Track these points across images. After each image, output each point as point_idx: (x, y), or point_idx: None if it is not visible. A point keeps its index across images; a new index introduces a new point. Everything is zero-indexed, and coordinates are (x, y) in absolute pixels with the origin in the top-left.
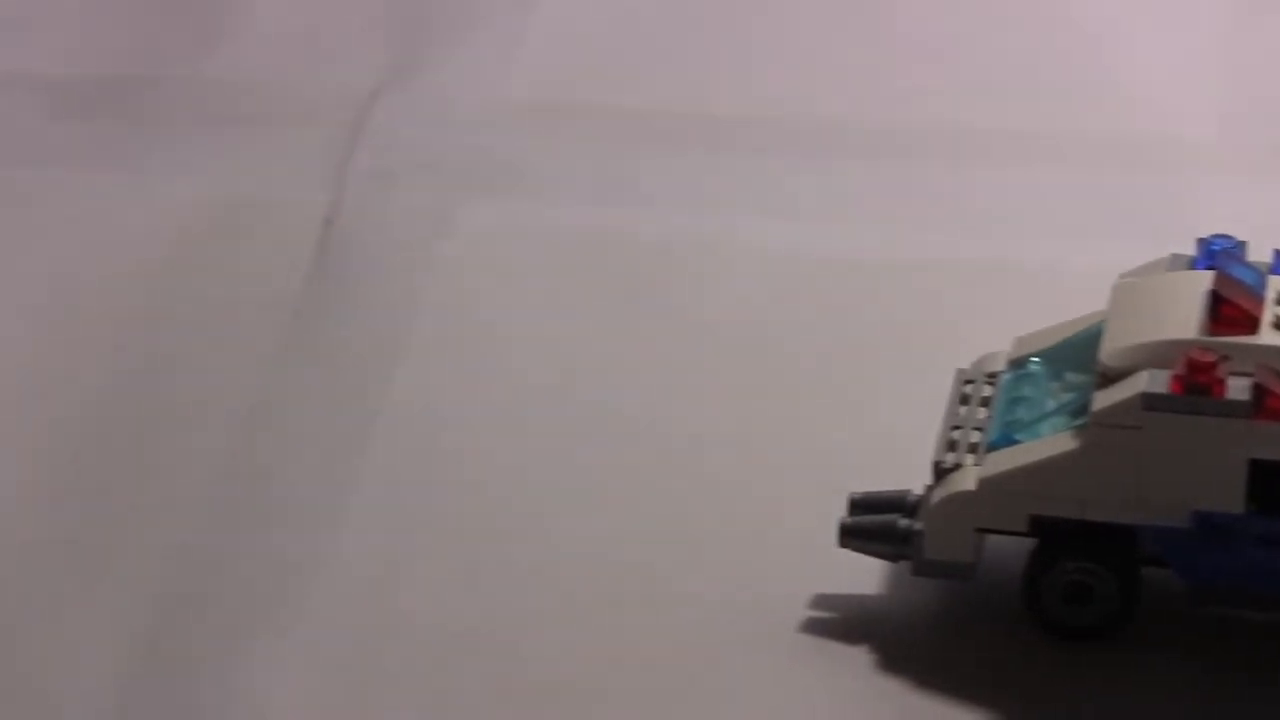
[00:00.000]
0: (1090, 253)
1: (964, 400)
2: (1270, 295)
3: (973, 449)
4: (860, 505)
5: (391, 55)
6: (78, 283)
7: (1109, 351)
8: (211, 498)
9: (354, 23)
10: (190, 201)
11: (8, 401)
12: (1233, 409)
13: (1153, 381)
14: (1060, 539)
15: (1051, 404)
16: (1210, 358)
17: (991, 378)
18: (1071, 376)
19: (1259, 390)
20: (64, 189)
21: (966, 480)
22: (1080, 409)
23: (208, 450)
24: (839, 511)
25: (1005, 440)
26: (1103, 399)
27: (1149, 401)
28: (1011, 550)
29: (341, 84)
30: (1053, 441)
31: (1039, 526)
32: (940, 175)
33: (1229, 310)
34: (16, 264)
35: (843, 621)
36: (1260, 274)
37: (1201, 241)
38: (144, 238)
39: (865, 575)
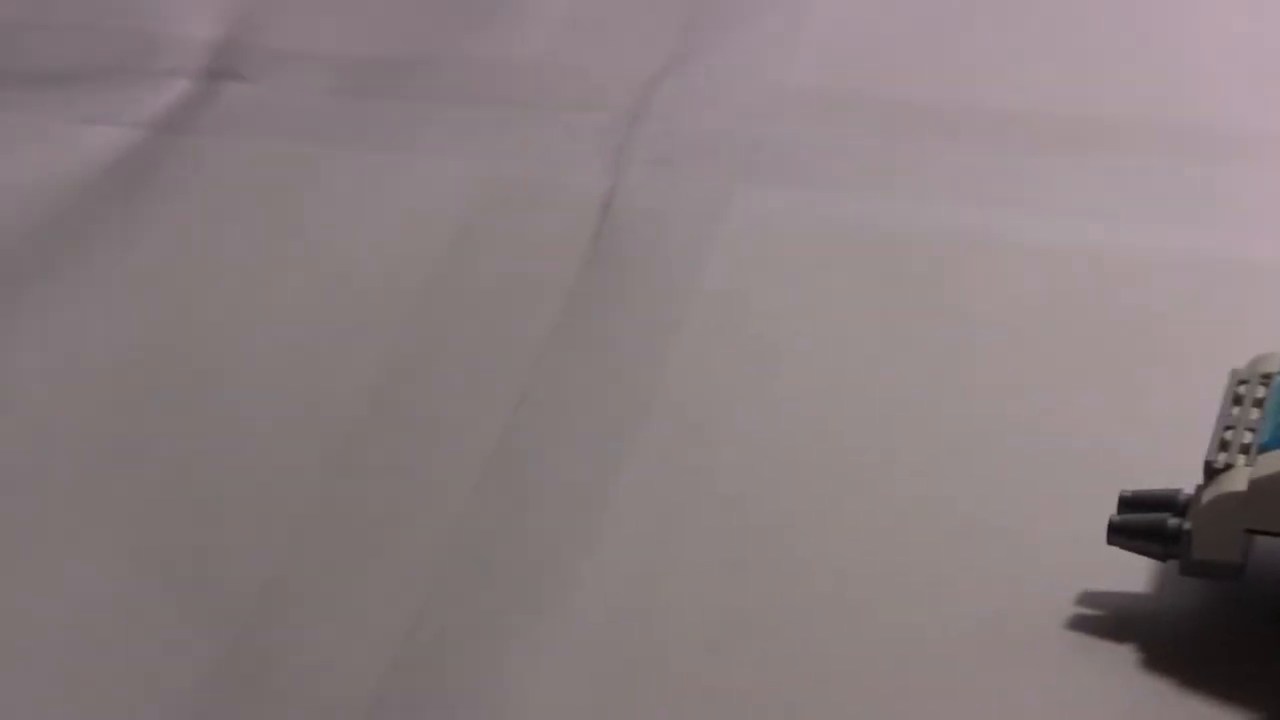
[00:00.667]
0: None
1: (1237, 400)
2: None
3: (1245, 450)
4: (1130, 503)
5: (672, 41)
6: (356, 259)
7: None
8: (481, 479)
9: (635, 8)
10: (469, 182)
11: (283, 375)
12: None
13: None
14: None
15: None
16: None
17: (1266, 379)
18: None
19: None
20: (346, 166)
21: (1237, 481)
22: None
23: (479, 432)
24: (1109, 509)
25: (1277, 442)
26: None
27: None
28: None
29: (622, 69)
30: None
31: None
32: (1216, 172)
33: None
34: (300, 238)
35: (1110, 619)
36: None
37: None
38: (422, 217)
39: (1133, 573)
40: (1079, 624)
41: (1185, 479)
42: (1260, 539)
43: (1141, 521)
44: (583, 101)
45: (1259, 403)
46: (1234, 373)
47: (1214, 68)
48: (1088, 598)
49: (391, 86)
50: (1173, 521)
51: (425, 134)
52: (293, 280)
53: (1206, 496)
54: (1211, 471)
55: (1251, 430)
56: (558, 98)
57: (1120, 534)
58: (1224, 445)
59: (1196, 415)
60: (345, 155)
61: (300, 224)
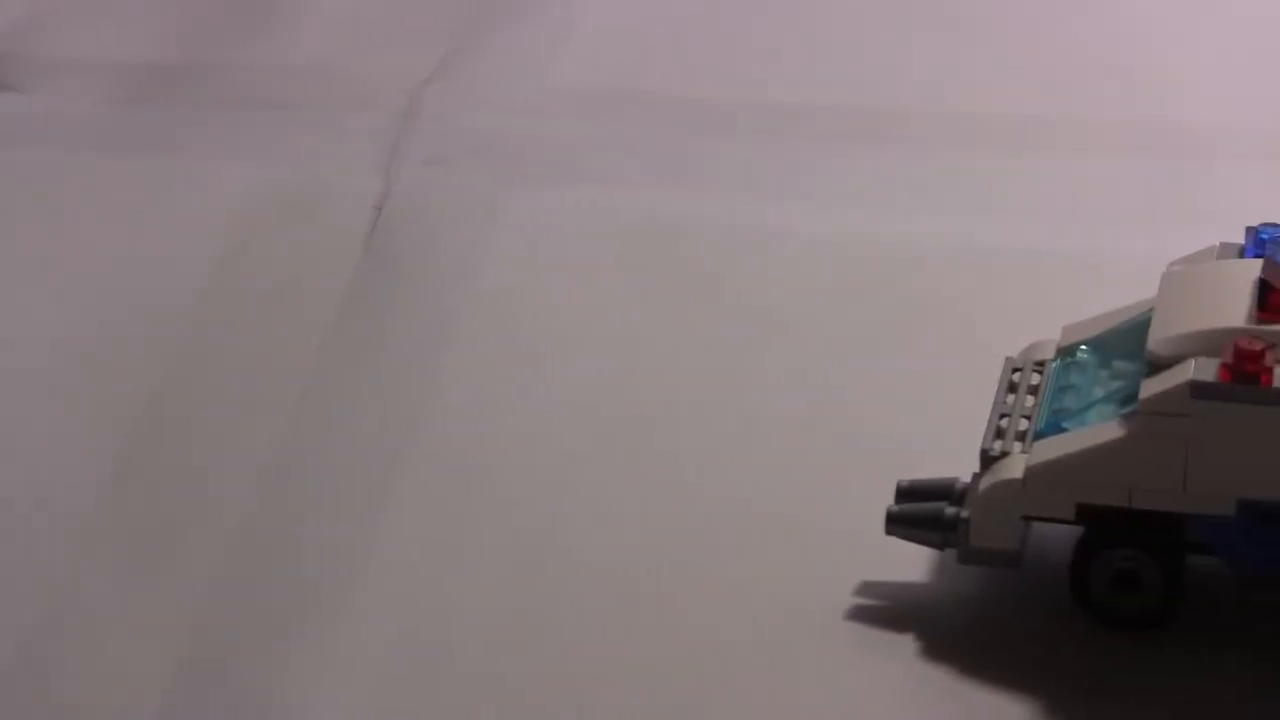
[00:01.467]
0: (1139, 241)
1: (1012, 388)
2: None
3: (1020, 437)
4: (907, 493)
5: (443, 42)
6: (130, 267)
7: (1157, 340)
8: (260, 486)
9: (406, 10)
10: (243, 187)
11: (60, 388)
12: (1279, 398)
13: (1201, 370)
14: (1107, 527)
15: (1099, 392)
16: (1258, 346)
17: (1040, 366)
18: (1120, 365)
19: None
20: (120, 174)
21: (1014, 468)
22: (1128, 397)
23: (257, 438)
24: (888, 499)
25: (1053, 428)
26: (1150, 387)
27: (1197, 390)
28: (1058, 538)
29: (393, 71)
30: (1100, 430)
31: (1086, 515)
32: (992, 163)
33: (1277, 299)
34: (74, 246)
35: (889, 609)
36: None
37: (1251, 230)
38: (197, 222)
39: (913, 563)
40: (859, 615)
41: (963, 468)
42: (1037, 526)
43: (919, 511)
44: (355, 104)
45: (1034, 390)
46: (1009, 361)
47: (990, 58)
48: (868, 588)
49: (165, 93)
50: (950, 510)
51: (199, 140)
52: (66, 289)
53: (983, 485)
54: (988, 460)
55: (1027, 418)
56: (330, 101)
57: (898, 524)
58: (1000, 433)
59: (973, 404)
60: (119, 163)
61: (74, 232)
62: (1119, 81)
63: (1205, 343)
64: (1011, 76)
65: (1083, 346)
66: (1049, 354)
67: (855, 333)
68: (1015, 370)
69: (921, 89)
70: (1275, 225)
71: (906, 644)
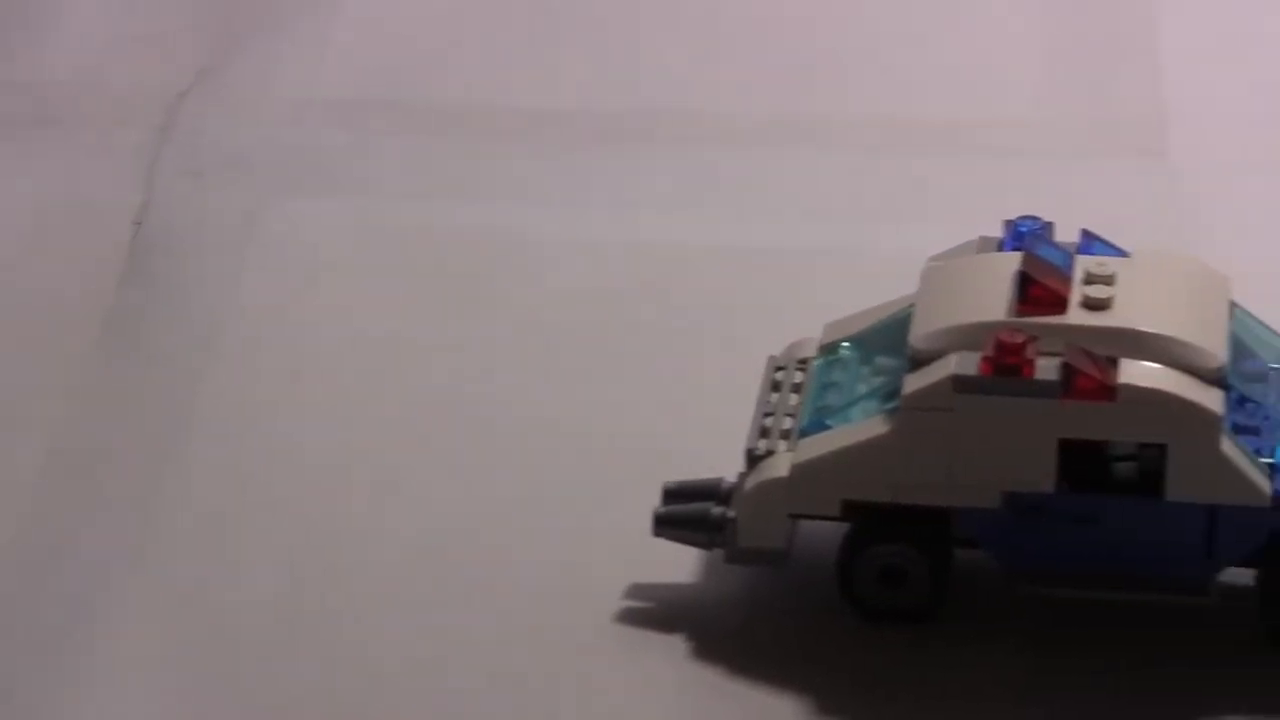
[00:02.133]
0: (898, 237)
1: (776, 387)
2: (1078, 275)
3: (785, 436)
4: (674, 494)
5: (201, 55)
6: None
7: (919, 335)
8: (25, 504)
9: (162, 24)
10: (3, 204)
11: None
12: (1042, 389)
13: (962, 363)
14: (872, 523)
15: (862, 388)
16: (1019, 339)
17: (803, 364)
18: (882, 361)
19: (1068, 370)
20: None
21: (778, 467)
22: (891, 393)
23: (21, 456)
24: (655, 501)
25: (817, 426)
26: (913, 382)
27: (959, 383)
28: (825, 536)
29: (151, 84)
30: (864, 426)
31: (851, 511)
32: (748, 162)
33: (1037, 291)
34: None
35: (659, 610)
36: (1068, 254)
37: (1009, 223)
38: None
39: (681, 564)
40: (629, 617)
41: (729, 468)
42: (805, 523)
43: (686, 512)
44: (113, 119)
45: (797, 388)
46: (771, 360)
47: (739, 58)
48: (637, 590)
49: None
50: (716, 510)
51: None
52: None
53: (749, 484)
54: (753, 459)
55: (791, 416)
56: (88, 116)
57: (665, 525)
58: (764, 432)
59: (737, 404)
60: None
61: None
62: (869, 78)
63: (966, 337)
64: (761, 76)
65: (845, 344)
66: (811, 352)
67: (618, 336)
68: (778, 369)
69: (673, 90)
70: (1033, 218)
71: (676, 644)
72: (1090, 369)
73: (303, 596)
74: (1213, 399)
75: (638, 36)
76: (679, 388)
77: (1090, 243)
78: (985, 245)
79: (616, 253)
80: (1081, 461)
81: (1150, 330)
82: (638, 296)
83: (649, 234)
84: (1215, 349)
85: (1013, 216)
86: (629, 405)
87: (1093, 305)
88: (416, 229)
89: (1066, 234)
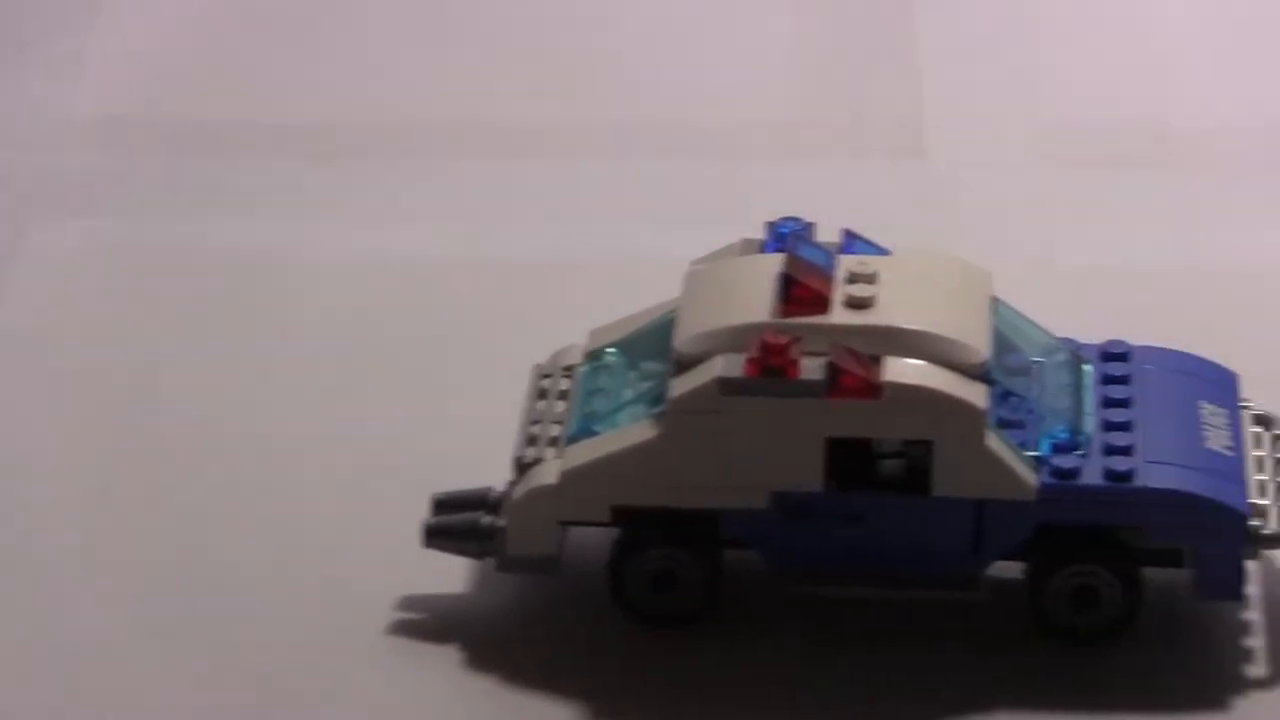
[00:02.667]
0: (660, 242)
1: (542, 395)
2: (840, 275)
3: (553, 443)
4: (443, 505)
5: None
6: None
7: (683, 339)
8: None
9: None
10: None
11: None
12: (807, 389)
13: (728, 366)
14: (643, 527)
15: (629, 394)
16: (783, 339)
17: (568, 371)
18: (648, 365)
19: (833, 369)
20: None
21: (547, 474)
22: (658, 397)
23: None
24: (424, 512)
25: (584, 432)
26: (679, 386)
27: (725, 386)
28: (596, 542)
29: None
30: (631, 431)
31: (621, 516)
32: (506, 172)
33: (800, 291)
34: None
35: (431, 621)
36: (830, 254)
37: (770, 225)
38: None
39: (453, 574)
40: (401, 628)
41: (498, 477)
42: (576, 530)
43: (455, 522)
44: None
45: (564, 395)
46: (537, 367)
47: (484, 66)
48: (409, 602)
49: None
50: (486, 520)
51: None
52: None
53: (518, 492)
54: (522, 467)
55: (559, 423)
56: None
57: (436, 536)
58: (532, 440)
59: (505, 413)
60: None
61: None
62: (626, 83)
63: (731, 339)
64: (516, 83)
65: (610, 349)
66: (577, 359)
67: (382, 351)
68: (544, 377)
69: (425, 102)
70: (794, 219)
71: (450, 655)
72: (854, 367)
73: (61, 623)
74: (977, 394)
75: (393, 49)
76: (446, 400)
77: (852, 242)
78: (747, 247)
79: (377, 268)
80: (849, 460)
81: (913, 327)
82: (399, 311)
83: (409, 248)
84: (978, 345)
85: (774, 218)
86: (396, 420)
87: (855, 304)
88: (178, 249)
89: (828, 234)
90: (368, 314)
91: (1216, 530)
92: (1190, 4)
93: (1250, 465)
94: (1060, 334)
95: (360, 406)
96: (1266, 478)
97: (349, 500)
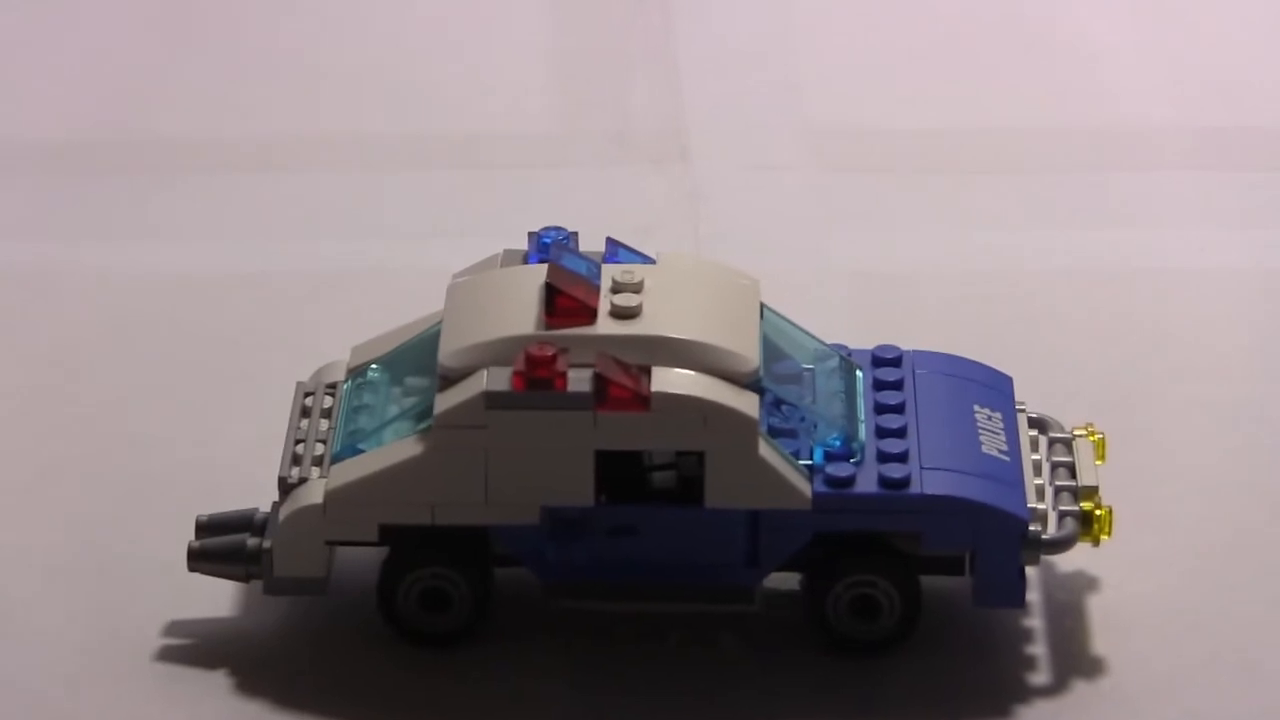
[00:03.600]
0: (422, 254)
1: (305, 413)
2: (605, 284)
3: (318, 462)
4: (208, 527)
5: None
6: None
7: (447, 353)
8: None
9: None
10: None
11: None
12: (575, 401)
13: (493, 379)
14: (411, 546)
15: (394, 410)
16: (549, 351)
17: (332, 388)
18: (413, 381)
19: (600, 381)
20: None
21: (312, 494)
22: (423, 413)
23: None
24: (189, 534)
25: (349, 451)
26: (444, 401)
27: (491, 400)
28: (366, 561)
29: None
30: (397, 448)
31: (389, 535)
32: (262, 186)
33: (565, 302)
34: None
35: (200, 646)
36: (595, 264)
37: (533, 235)
38: None
39: (220, 598)
40: (168, 654)
41: (264, 498)
42: (346, 550)
43: (220, 545)
44: None
45: (328, 413)
46: (300, 385)
47: (273, 79)
48: (175, 627)
49: None
50: (252, 541)
51: None
52: None
53: (283, 513)
54: (287, 487)
55: (323, 442)
56: None
57: (201, 559)
58: (296, 460)
59: (269, 432)
60: None
61: None
62: (378, 93)
63: (496, 353)
64: (263, 98)
65: (373, 365)
66: (340, 376)
67: (142, 370)
68: (307, 395)
69: (174, 116)
70: (557, 229)
71: (218, 679)
72: (622, 379)
73: None
74: (748, 403)
75: (144, 64)
76: (208, 419)
77: (616, 251)
78: (510, 258)
79: (136, 286)
80: (620, 473)
81: (681, 336)
82: (160, 329)
83: (167, 265)
84: (748, 353)
85: (536, 228)
86: (158, 440)
87: (622, 314)
88: None
89: (592, 243)
90: (127, 332)
91: (995, 536)
92: (951, 5)
93: (1028, 469)
94: (831, 340)
95: (124, 427)
96: (1043, 481)
97: (114, 524)
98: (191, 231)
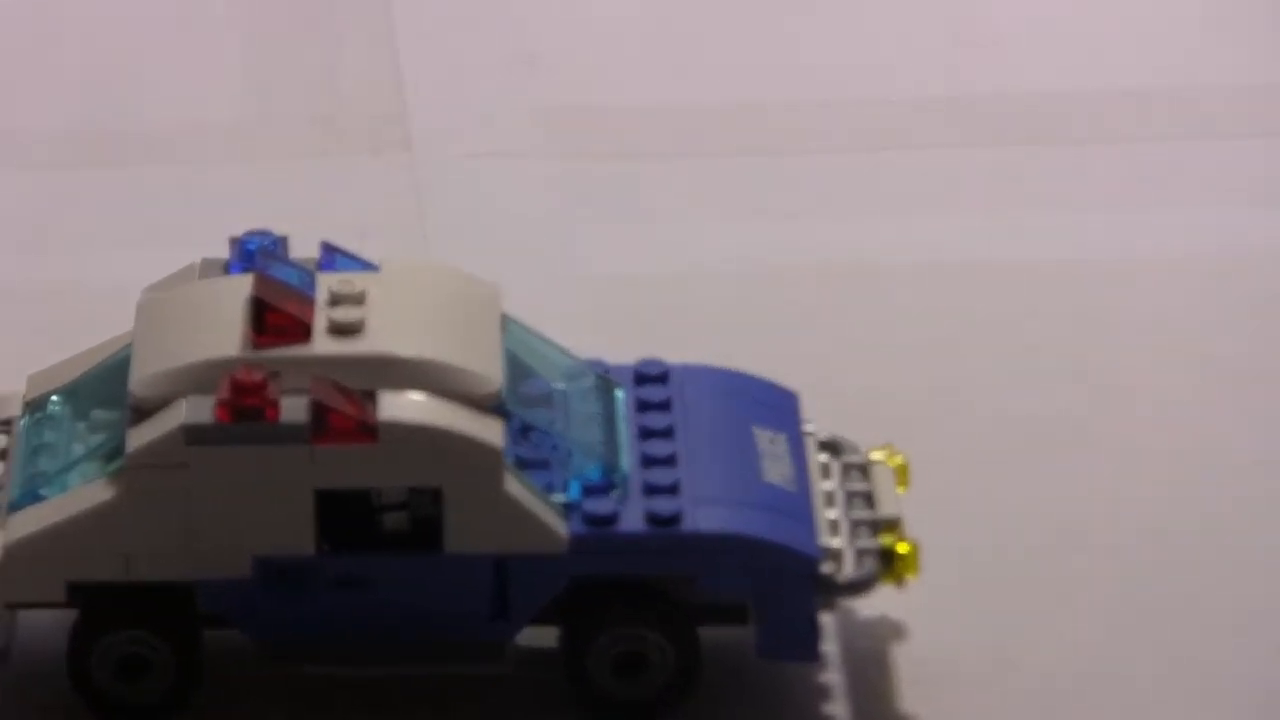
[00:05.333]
0: (107, 266)
1: None
2: (321, 296)
3: None
4: None
5: None
6: None
7: (140, 380)
8: None
9: None
10: None
11: None
12: (289, 433)
13: (194, 410)
14: (104, 606)
15: (79, 449)
16: (257, 376)
17: (6, 425)
18: (100, 414)
19: (318, 409)
20: None
21: None
22: (114, 451)
23: None
24: None
25: (29, 497)
26: (137, 437)
27: (191, 434)
28: (54, 624)
29: None
30: (84, 493)
31: (78, 594)
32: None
33: (275, 318)
34: None
35: None
36: (308, 273)
37: (235, 241)
38: None
39: None
40: None
41: None
42: (29, 613)
43: None
44: None
45: (2, 455)
46: None
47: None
48: None
49: None
50: None
51: None
52: None
53: None
54: None
55: None
56: None
57: None
58: None
59: None
60: None
61: None
62: (65, 86)
63: (197, 379)
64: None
65: (54, 397)
66: (16, 411)
67: None
68: None
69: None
70: (263, 233)
71: None
72: (343, 406)
73: None
74: (490, 430)
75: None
76: None
77: (332, 257)
78: (208, 269)
79: None
80: (344, 515)
81: (409, 355)
82: None
83: None
84: (489, 371)
85: (238, 232)
86: None
87: (341, 330)
88: None
89: (304, 249)
90: None
91: (781, 578)
92: None
93: (819, 500)
94: (585, 354)
95: None
96: (838, 514)
97: None
98: None
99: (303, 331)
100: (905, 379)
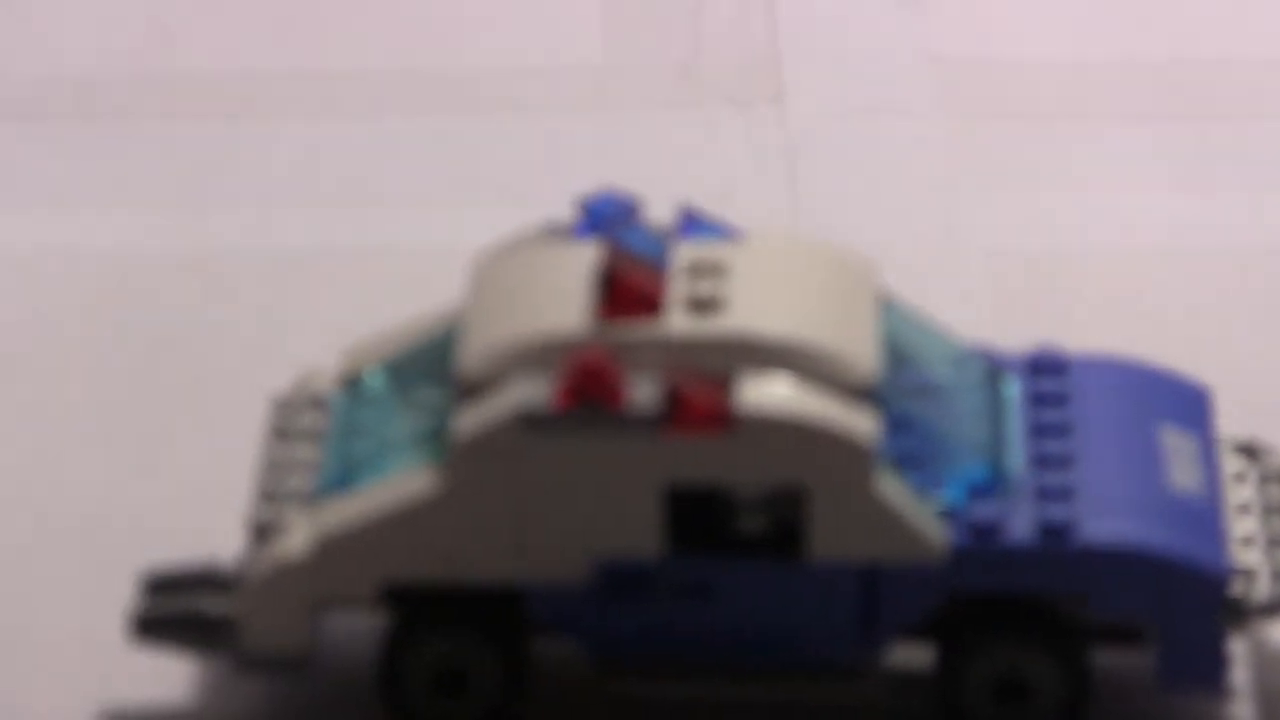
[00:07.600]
0: (434, 226)
1: (283, 435)
2: (677, 267)
3: (299, 499)
4: (157, 586)
5: None
6: None
7: (470, 356)
8: None
9: None
10: None
11: None
12: (637, 423)
13: (530, 393)
14: (422, 610)
15: (399, 431)
16: (604, 357)
17: (317, 403)
18: (423, 393)
19: (671, 395)
20: None
21: (293, 542)
22: (438, 435)
23: None
24: (130, 594)
25: (341, 485)
26: (465, 421)
27: (527, 421)
28: (361, 630)
29: None
30: (404, 481)
31: (394, 596)
32: (204, 138)
33: (625, 291)
34: None
35: None
36: (662, 241)
37: (582, 203)
38: None
39: (174, 675)
40: None
41: (226, 546)
42: (335, 615)
43: (173, 610)
44: None
45: (312, 435)
46: (275, 399)
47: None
48: (109, 713)
49: None
50: (213, 604)
51: None
52: None
53: (255, 566)
54: (259, 532)
55: (307, 472)
56: None
57: (149, 628)
58: (270, 496)
59: (231, 458)
60: None
61: None
62: (406, 22)
63: (534, 357)
64: (272, 27)
65: (372, 373)
66: (328, 387)
67: (57, 378)
68: (285, 411)
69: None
70: (614, 194)
71: None
72: (699, 392)
73: None
74: (862, 423)
75: None
76: (153, 445)
77: (691, 223)
78: (552, 233)
79: (41, 266)
80: (696, 516)
81: (774, 336)
82: (75, 325)
83: (81, 241)
84: (862, 357)
85: (583, 192)
86: (89, 475)
87: (699, 306)
88: None
89: (658, 212)
90: (34, 328)
91: (1186, 599)
92: None
93: (1231, 511)
94: (972, 339)
95: (35, 460)
96: (1254, 528)
97: (27, 585)
98: (114, 197)
99: (654, 307)
100: None
